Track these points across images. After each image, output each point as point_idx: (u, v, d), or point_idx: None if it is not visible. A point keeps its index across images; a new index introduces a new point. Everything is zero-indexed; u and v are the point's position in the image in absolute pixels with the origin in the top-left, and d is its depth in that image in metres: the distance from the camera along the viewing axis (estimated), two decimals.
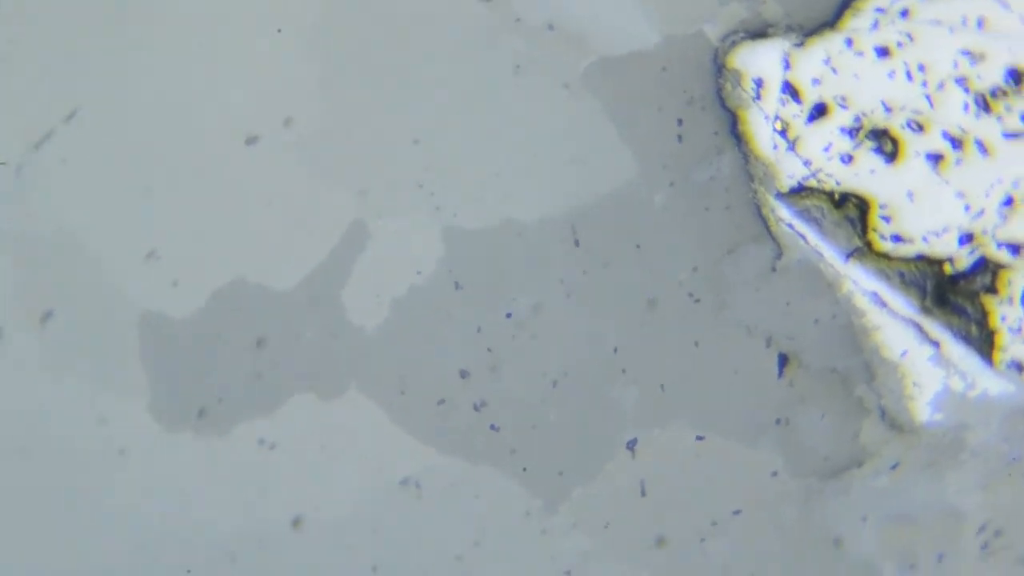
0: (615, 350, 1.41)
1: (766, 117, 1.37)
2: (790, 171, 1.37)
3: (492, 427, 1.41)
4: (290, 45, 1.39)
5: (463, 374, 1.41)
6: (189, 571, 1.35)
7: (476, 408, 1.41)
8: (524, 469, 1.41)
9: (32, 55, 1.37)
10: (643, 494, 1.40)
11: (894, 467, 1.36)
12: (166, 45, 1.39)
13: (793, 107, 1.37)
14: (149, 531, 1.35)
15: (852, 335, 1.39)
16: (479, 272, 1.42)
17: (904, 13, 1.34)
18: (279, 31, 1.39)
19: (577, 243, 1.41)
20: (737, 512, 1.39)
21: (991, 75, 1.34)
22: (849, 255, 1.37)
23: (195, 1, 1.39)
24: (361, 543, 1.38)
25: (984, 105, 1.33)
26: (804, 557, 1.39)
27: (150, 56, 1.39)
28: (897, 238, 1.36)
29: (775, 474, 1.38)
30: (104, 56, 1.38)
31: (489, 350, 1.41)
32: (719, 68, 1.39)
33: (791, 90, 1.37)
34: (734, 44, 1.38)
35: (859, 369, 1.39)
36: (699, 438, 1.39)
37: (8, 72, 1.37)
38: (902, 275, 1.37)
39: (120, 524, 1.34)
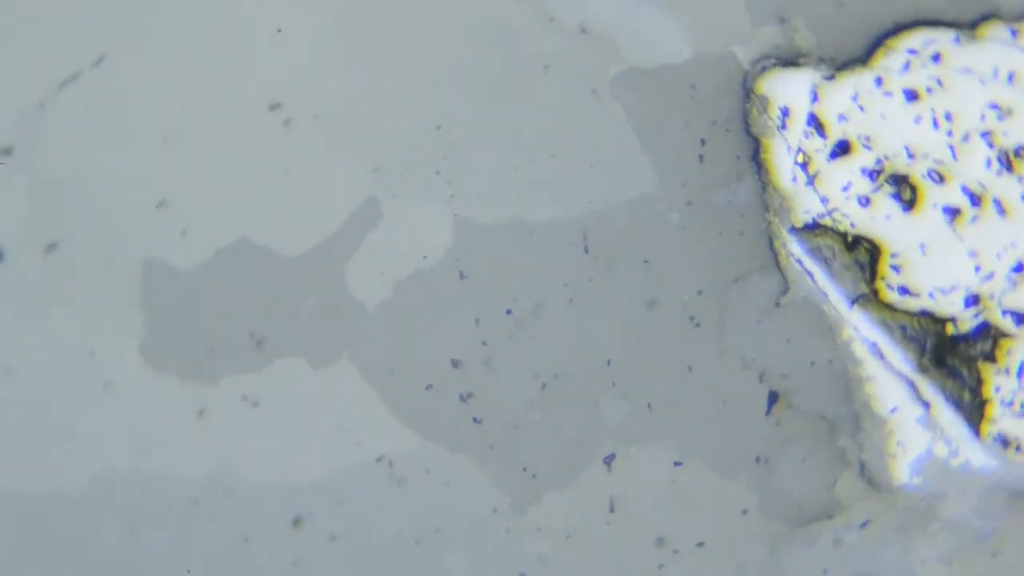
0: (608, 362, 1.39)
1: (789, 148, 1.33)
2: (807, 206, 1.33)
3: (475, 419, 1.41)
4: (325, 19, 1.41)
5: (455, 363, 1.41)
6: (144, 515, 1.38)
7: (463, 399, 1.41)
8: (499, 466, 1.41)
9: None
10: (611, 510, 1.38)
11: (864, 525, 1.32)
12: (202, 2, 1.42)
13: (817, 141, 1.33)
14: (115, 469, 1.39)
15: (846, 383, 1.34)
16: (484, 265, 1.42)
17: (936, 57, 1.28)
18: (315, 4, 1.41)
19: (587, 249, 1.40)
20: (700, 544, 1.36)
21: (1017, 133, 1.28)
22: (854, 301, 1.32)
23: None
24: (324, 512, 1.40)
25: (1007, 163, 1.26)
26: None
27: (186, 12, 1.42)
28: (904, 290, 1.31)
29: (745, 512, 1.35)
30: (138, 6, 1.42)
31: (484, 343, 1.41)
32: (747, 92, 1.36)
33: (817, 123, 1.33)
34: (764, 69, 1.34)
35: (847, 419, 1.34)
36: (677, 463, 1.37)
37: (43, 10, 1.42)
38: (904, 329, 1.31)
39: (89, 456, 1.39)
